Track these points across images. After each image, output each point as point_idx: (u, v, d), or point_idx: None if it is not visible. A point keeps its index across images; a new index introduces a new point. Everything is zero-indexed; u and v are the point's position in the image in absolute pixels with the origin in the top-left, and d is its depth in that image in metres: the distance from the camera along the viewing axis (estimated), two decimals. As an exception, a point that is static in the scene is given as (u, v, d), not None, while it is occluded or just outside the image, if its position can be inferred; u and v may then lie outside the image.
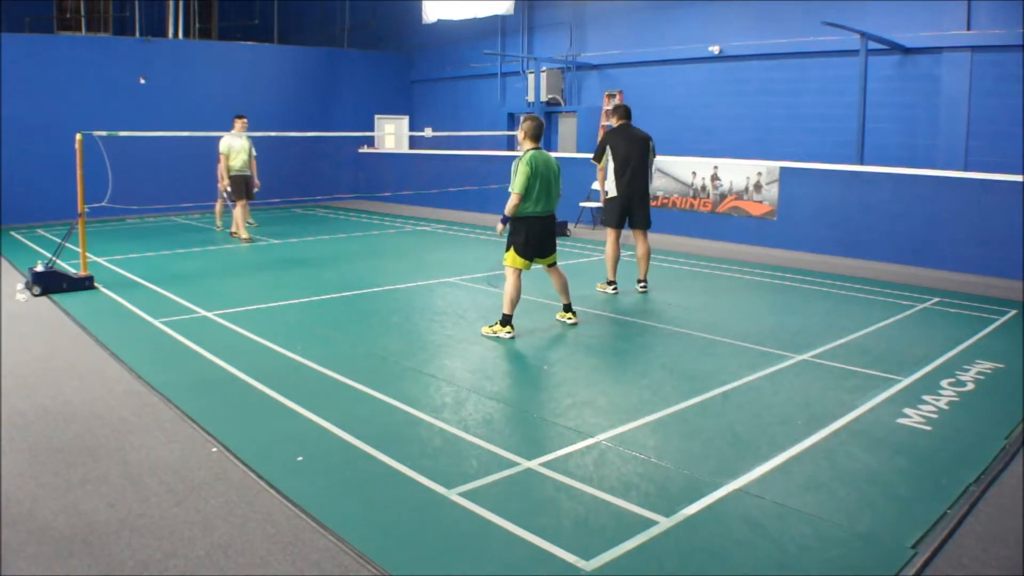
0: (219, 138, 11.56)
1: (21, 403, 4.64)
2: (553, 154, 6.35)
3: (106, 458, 3.88)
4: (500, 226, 6.25)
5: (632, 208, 7.82)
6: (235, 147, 11.42)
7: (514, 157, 6.34)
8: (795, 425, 4.39)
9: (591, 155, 14.16)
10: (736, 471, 3.76)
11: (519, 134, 6.36)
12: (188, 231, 13.13)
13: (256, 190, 11.91)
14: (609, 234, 7.96)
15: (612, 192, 7.84)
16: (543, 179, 6.15)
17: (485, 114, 18.12)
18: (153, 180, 14.45)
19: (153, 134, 11.60)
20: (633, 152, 7.71)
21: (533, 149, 6.24)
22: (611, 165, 7.77)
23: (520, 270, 6.26)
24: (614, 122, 8.03)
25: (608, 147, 7.78)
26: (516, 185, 6.08)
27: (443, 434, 4.23)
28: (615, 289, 7.99)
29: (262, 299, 7.61)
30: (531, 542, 3.09)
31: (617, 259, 7.99)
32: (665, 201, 12.48)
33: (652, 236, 8.20)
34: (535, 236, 6.24)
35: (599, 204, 13.29)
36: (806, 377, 5.31)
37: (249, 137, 11.66)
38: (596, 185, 7.89)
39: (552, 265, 6.54)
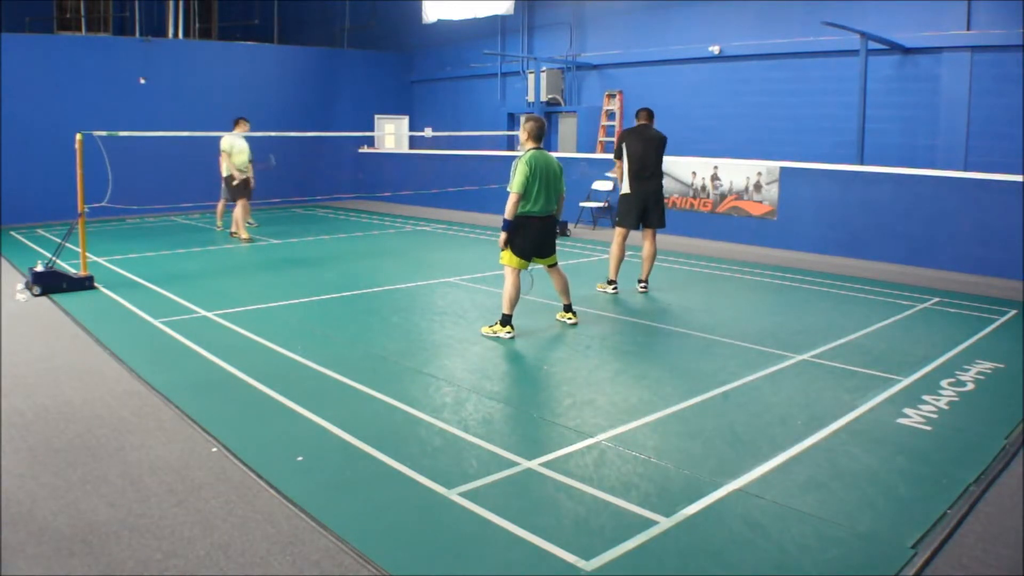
0: (219, 138, 11.56)
1: (21, 403, 4.64)
2: (553, 154, 6.39)
3: (106, 458, 3.88)
4: (503, 236, 6.16)
5: (648, 208, 7.86)
6: (237, 146, 11.45)
7: (514, 157, 6.33)
8: (795, 425, 4.39)
9: (591, 155, 14.11)
10: (736, 471, 3.76)
11: (521, 134, 6.34)
12: (188, 231, 13.13)
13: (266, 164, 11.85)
14: (618, 234, 7.95)
15: (626, 190, 7.87)
16: (542, 179, 6.13)
17: (485, 114, 18.12)
18: (153, 180, 14.44)
19: (153, 134, 11.61)
20: (648, 152, 7.77)
21: (534, 149, 6.23)
22: (627, 164, 7.80)
23: (519, 270, 6.26)
24: (637, 120, 8.06)
25: (624, 145, 7.82)
26: (514, 184, 6.05)
27: (443, 434, 4.23)
28: (615, 289, 7.99)
29: (262, 299, 7.61)
30: (531, 542, 3.09)
31: (621, 259, 7.99)
32: (665, 201, 12.46)
33: (651, 236, 8.21)
34: (533, 236, 6.23)
35: (600, 204, 13.39)
36: (806, 377, 5.31)
37: (246, 139, 11.68)
38: (614, 172, 7.96)
39: (553, 266, 6.54)
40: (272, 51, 18.09)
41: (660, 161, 7.87)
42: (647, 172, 7.77)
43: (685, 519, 3.29)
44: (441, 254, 10.98)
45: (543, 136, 6.29)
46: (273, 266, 9.86)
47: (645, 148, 7.75)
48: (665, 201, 8.09)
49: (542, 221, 6.25)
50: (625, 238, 7.95)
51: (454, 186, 15.44)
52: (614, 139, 14.69)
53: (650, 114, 8.02)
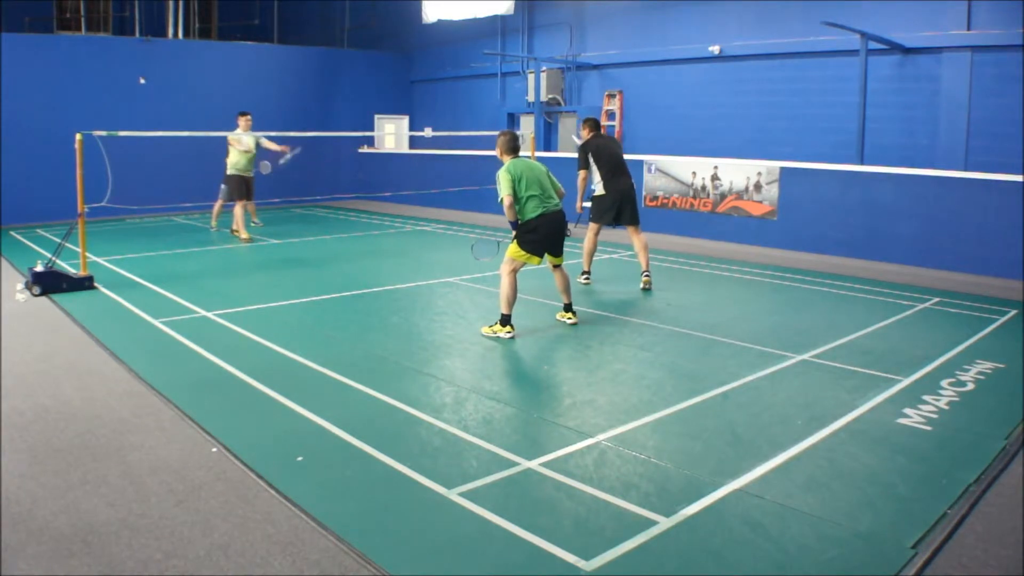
0: (219, 138, 11.58)
1: (21, 403, 4.64)
2: (553, 154, 6.45)
3: (106, 458, 3.88)
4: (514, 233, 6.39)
5: (623, 205, 8.15)
6: (243, 143, 11.46)
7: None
8: (795, 425, 4.39)
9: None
10: (736, 471, 3.76)
11: (496, 151, 6.52)
12: (188, 231, 13.13)
13: (284, 153, 11.73)
14: (592, 229, 8.41)
15: (600, 191, 8.23)
16: (530, 180, 6.24)
17: (485, 114, 18.11)
18: (153, 180, 14.43)
19: (153, 134, 11.57)
20: (615, 152, 8.23)
21: (512, 159, 6.39)
22: (596, 171, 8.17)
23: (515, 270, 6.31)
24: (585, 134, 8.38)
25: (590, 155, 8.16)
26: (501, 190, 6.21)
27: (443, 434, 4.23)
28: (587, 279, 8.45)
29: (262, 299, 7.60)
30: (531, 542, 3.09)
31: (593, 252, 8.52)
32: (665, 201, 12.48)
33: (652, 236, 8.29)
34: (548, 233, 6.32)
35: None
36: (806, 377, 5.31)
37: (253, 135, 11.70)
38: (578, 191, 8.11)
39: (557, 266, 6.58)
40: (272, 51, 18.08)
41: (623, 161, 8.25)
42: (620, 171, 8.15)
43: (685, 519, 3.29)
44: (441, 254, 10.98)
45: (517, 147, 6.51)
46: (273, 266, 9.86)
47: (611, 151, 8.19)
48: (652, 203, 8.34)
49: (554, 216, 6.35)
50: (597, 233, 8.42)
51: (454, 186, 15.42)
52: (617, 136, 14.77)
53: (597, 123, 8.43)
